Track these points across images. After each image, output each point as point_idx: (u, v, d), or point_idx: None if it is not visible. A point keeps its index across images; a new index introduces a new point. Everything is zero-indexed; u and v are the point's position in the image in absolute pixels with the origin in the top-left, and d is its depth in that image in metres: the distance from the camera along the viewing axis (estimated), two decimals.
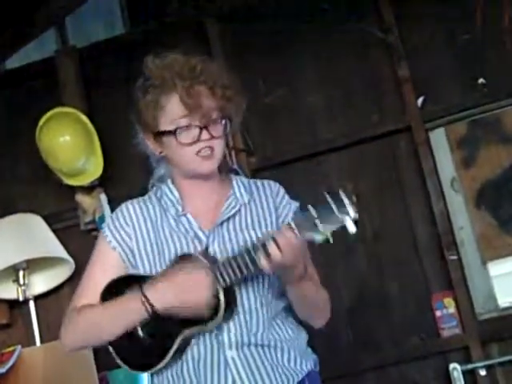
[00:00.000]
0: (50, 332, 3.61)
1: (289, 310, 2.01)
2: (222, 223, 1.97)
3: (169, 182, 2.05)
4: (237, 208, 1.99)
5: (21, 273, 3.60)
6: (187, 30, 3.89)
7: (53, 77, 3.91)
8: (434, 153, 3.59)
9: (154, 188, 2.09)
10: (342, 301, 3.52)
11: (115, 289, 1.94)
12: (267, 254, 1.76)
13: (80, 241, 3.73)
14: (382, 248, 3.59)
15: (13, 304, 3.75)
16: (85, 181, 3.71)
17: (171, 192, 2.03)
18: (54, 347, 3.38)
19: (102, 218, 3.54)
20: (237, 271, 1.81)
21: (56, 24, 4.11)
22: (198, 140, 1.91)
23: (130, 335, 1.89)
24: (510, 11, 3.57)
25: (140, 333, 1.89)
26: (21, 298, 3.63)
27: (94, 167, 3.69)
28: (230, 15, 3.86)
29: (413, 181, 3.60)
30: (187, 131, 1.91)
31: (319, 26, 3.76)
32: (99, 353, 3.28)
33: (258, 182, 2.09)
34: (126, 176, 3.74)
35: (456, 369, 3.35)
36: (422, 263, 3.54)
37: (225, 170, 2.08)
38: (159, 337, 1.88)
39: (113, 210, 2.12)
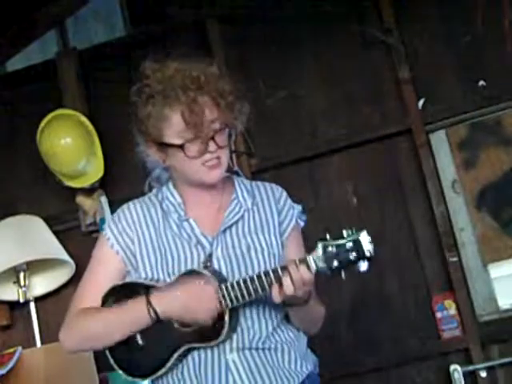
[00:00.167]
0: (51, 333, 3.60)
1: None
2: (225, 230, 1.96)
3: (170, 185, 2.04)
4: (240, 213, 1.99)
5: (21, 274, 3.60)
6: (188, 31, 3.89)
7: (54, 79, 3.91)
8: (434, 155, 3.59)
9: (155, 190, 2.08)
10: (342, 302, 3.52)
11: (116, 294, 1.94)
12: (280, 286, 1.78)
13: (81, 242, 3.73)
14: (383, 250, 3.59)
15: (13, 305, 3.75)
16: (85, 183, 3.71)
17: (173, 196, 2.01)
18: (55, 348, 3.38)
19: (103, 220, 3.54)
20: (245, 294, 1.82)
21: (57, 26, 4.11)
22: (206, 152, 1.90)
23: (129, 343, 1.90)
24: (510, 13, 3.57)
25: (140, 341, 1.90)
26: (21, 300, 3.63)
27: (94, 169, 3.70)
28: (231, 17, 3.86)
29: (413, 183, 3.60)
30: (193, 144, 1.89)
31: (320, 28, 3.76)
32: (100, 354, 3.28)
33: (261, 185, 2.08)
34: (127, 178, 3.73)
35: (457, 370, 3.35)
36: (422, 265, 3.54)
37: (226, 172, 2.08)
38: (159, 346, 1.88)
39: (113, 212, 2.11)
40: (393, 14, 3.68)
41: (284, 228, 2.00)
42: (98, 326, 1.93)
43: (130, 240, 1.99)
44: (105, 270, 1.99)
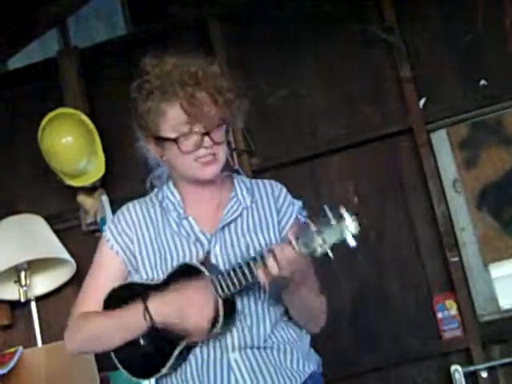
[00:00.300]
0: (52, 333, 3.61)
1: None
2: (223, 227, 1.96)
3: (170, 183, 2.05)
4: (239, 211, 1.98)
5: (22, 274, 3.60)
6: (189, 30, 3.89)
7: (55, 77, 3.91)
8: (435, 154, 3.59)
9: (155, 189, 2.08)
10: (343, 302, 3.52)
11: (118, 296, 1.94)
12: (264, 267, 1.77)
13: (81, 242, 3.73)
14: (384, 249, 3.59)
15: (14, 305, 3.75)
16: (86, 182, 3.71)
17: (172, 194, 2.02)
18: (56, 348, 3.39)
19: (104, 219, 3.54)
20: (236, 283, 1.82)
21: (58, 25, 4.11)
22: (200, 147, 1.90)
23: (131, 343, 1.90)
24: (511, 13, 3.57)
25: (141, 341, 1.90)
26: (22, 299, 3.63)
27: (95, 168, 3.69)
28: (232, 16, 3.86)
29: (414, 182, 3.60)
30: (189, 138, 1.90)
31: (320, 28, 3.76)
32: (101, 353, 3.29)
33: (260, 182, 2.08)
34: (128, 177, 3.74)
35: (457, 370, 3.35)
36: (423, 265, 3.54)
37: (226, 171, 2.07)
38: (160, 345, 1.89)
39: (114, 211, 2.11)
40: (394, 13, 3.68)
41: (283, 225, 2.00)
42: (98, 330, 1.94)
43: (129, 240, 1.99)
44: (106, 273, 1.99)
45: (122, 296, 1.93)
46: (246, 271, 1.80)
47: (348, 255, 3.58)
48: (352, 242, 1.74)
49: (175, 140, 1.90)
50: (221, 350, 1.89)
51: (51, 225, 3.75)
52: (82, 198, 3.77)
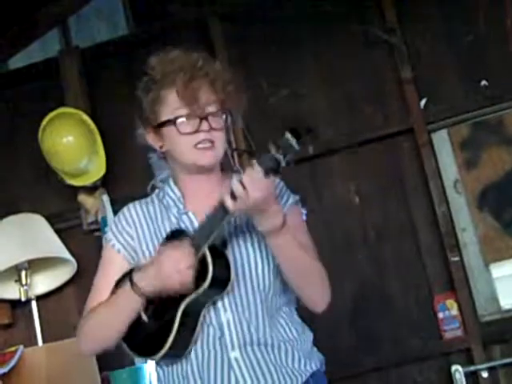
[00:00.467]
0: (52, 332, 3.61)
1: (292, 305, 2.00)
2: None
3: (170, 181, 2.05)
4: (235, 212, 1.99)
5: (23, 273, 3.60)
6: (190, 30, 3.89)
7: (56, 77, 3.92)
8: (436, 154, 3.59)
9: (157, 190, 2.09)
10: (344, 302, 3.52)
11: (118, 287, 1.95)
12: (232, 192, 1.77)
13: (82, 241, 3.74)
14: (385, 249, 3.59)
15: (15, 304, 3.75)
16: (87, 181, 3.71)
17: (173, 191, 2.03)
18: (56, 347, 3.39)
19: (105, 219, 3.54)
20: (214, 225, 1.81)
21: (59, 24, 4.11)
22: (198, 131, 1.92)
23: (134, 323, 1.90)
24: None
25: (144, 318, 1.89)
26: (23, 298, 3.63)
27: (96, 168, 3.70)
28: (233, 15, 3.86)
29: (415, 182, 3.60)
30: (187, 122, 1.92)
31: (322, 27, 3.76)
32: (102, 353, 3.29)
33: None
34: (129, 176, 3.74)
35: (458, 371, 3.35)
36: (424, 265, 3.54)
37: (227, 170, 2.08)
38: (161, 317, 1.88)
39: (115, 210, 2.12)
40: (395, 14, 3.68)
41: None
42: (99, 321, 1.94)
43: (129, 237, 2.01)
44: (108, 272, 1.99)
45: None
46: (221, 212, 1.80)
47: (349, 255, 3.58)
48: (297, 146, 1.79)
49: (174, 121, 1.92)
50: (221, 348, 1.89)
51: (52, 224, 3.75)
52: (82, 198, 3.77)
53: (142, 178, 3.48)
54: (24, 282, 3.61)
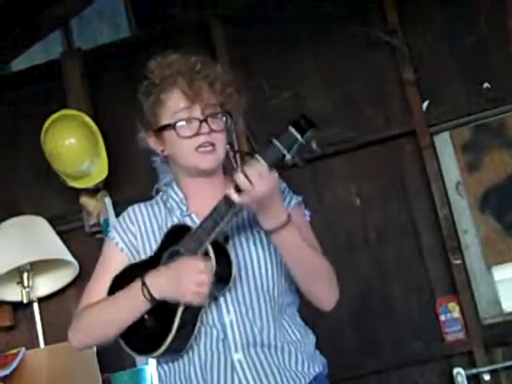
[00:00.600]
0: (54, 334, 3.61)
1: (295, 307, 2.00)
2: None
3: (173, 184, 2.06)
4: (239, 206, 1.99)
5: (25, 275, 3.60)
6: (192, 32, 3.89)
7: (58, 79, 3.92)
8: (438, 157, 3.59)
9: (161, 193, 2.10)
10: (345, 304, 3.48)
11: (120, 282, 1.94)
12: (236, 186, 1.77)
13: (84, 243, 3.74)
14: (386, 252, 3.59)
15: (17, 306, 3.75)
16: (89, 183, 3.71)
17: (176, 193, 2.04)
18: (58, 349, 3.39)
19: (107, 221, 3.55)
20: (219, 220, 1.81)
21: (61, 26, 4.12)
22: (198, 133, 1.92)
23: (136, 324, 1.89)
24: None
25: (145, 316, 1.89)
26: (25, 300, 3.63)
27: (98, 170, 3.70)
28: (234, 17, 3.86)
29: (417, 185, 3.60)
30: (187, 125, 1.92)
31: (323, 29, 3.76)
32: (103, 354, 3.29)
33: None
34: (131, 179, 3.74)
35: (460, 373, 3.35)
36: (426, 267, 3.53)
37: (230, 173, 2.08)
38: (161, 313, 1.87)
39: (117, 212, 2.12)
40: (397, 16, 3.68)
41: None
42: (100, 317, 1.93)
43: (133, 236, 2.01)
44: (109, 268, 1.99)
45: (123, 281, 1.92)
46: (223, 205, 1.81)
47: (350, 257, 3.58)
48: (315, 146, 1.80)
49: (173, 125, 1.92)
50: (224, 349, 1.89)
51: (54, 226, 3.75)
52: (84, 200, 3.77)
53: (144, 180, 3.47)
54: (26, 284, 3.61)
